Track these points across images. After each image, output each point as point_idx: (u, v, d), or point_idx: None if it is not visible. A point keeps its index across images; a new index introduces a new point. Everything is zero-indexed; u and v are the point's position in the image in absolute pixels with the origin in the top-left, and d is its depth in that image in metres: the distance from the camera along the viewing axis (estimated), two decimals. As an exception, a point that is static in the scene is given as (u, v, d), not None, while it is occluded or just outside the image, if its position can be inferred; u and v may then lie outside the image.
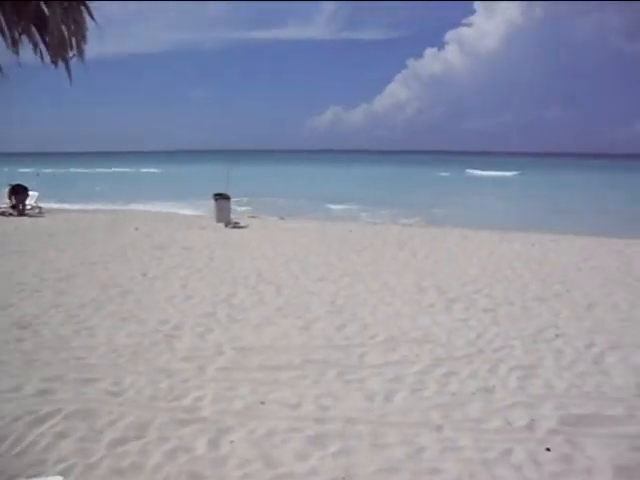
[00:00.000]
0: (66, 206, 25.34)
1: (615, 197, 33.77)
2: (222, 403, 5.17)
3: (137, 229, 16.78)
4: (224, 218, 18.34)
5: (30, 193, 21.18)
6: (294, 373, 5.89)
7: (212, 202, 19.02)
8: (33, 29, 3.48)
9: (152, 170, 67.77)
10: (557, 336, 7.10)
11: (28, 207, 20.88)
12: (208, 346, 6.69)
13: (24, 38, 3.46)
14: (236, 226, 17.99)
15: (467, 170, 61.69)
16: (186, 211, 24.72)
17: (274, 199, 29.49)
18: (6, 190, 20.94)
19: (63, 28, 3.45)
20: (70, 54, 3.58)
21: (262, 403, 5.18)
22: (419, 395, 5.39)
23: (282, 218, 21.36)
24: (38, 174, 49.52)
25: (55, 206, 24.12)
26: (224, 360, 6.24)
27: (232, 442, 4.49)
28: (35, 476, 3.91)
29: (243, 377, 5.78)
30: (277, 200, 29.00)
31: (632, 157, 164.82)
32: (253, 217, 21.62)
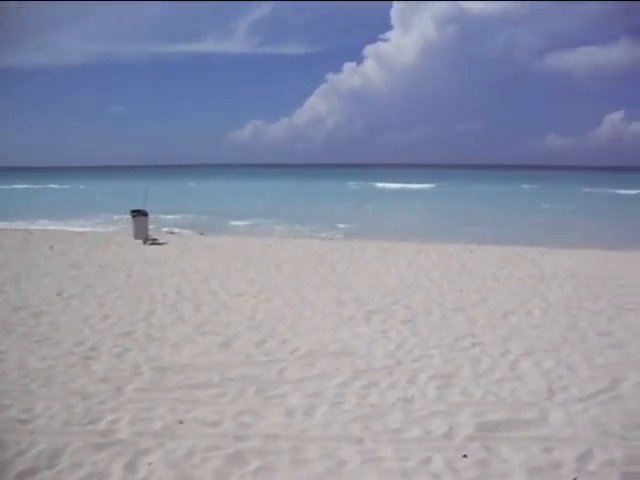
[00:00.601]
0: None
1: (527, 207, 35.14)
2: (140, 424, 5.04)
3: (52, 247, 16.20)
4: (142, 235, 17.98)
5: None
6: (213, 391, 5.82)
7: (130, 218, 18.65)
8: None
9: (66, 186, 65.56)
10: (474, 344, 7.30)
11: None
12: (126, 366, 6.52)
13: None
14: (154, 243, 17.66)
15: (384, 183, 62.60)
16: (103, 228, 24.08)
17: (194, 215, 29.13)
18: None
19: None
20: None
21: (181, 422, 5.09)
22: (339, 408, 5.42)
23: (202, 233, 21.13)
24: None
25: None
26: (142, 380, 6.10)
27: (150, 464, 4.38)
28: None
29: (161, 397, 5.66)
30: (197, 216, 28.65)
31: (543, 168, 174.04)
32: (172, 233, 21.31)
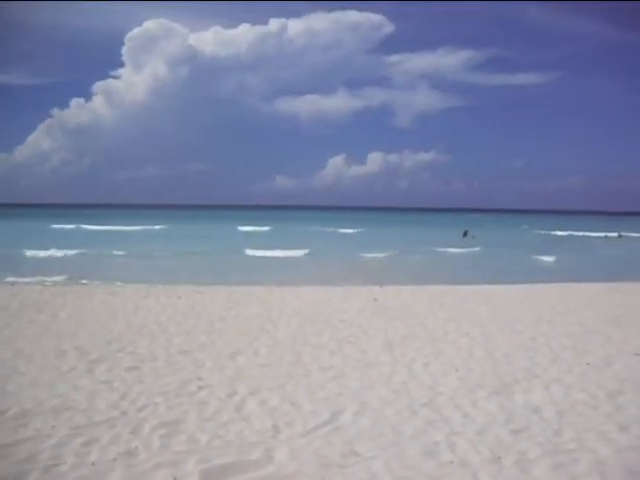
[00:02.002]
0: None
1: (255, 244, 36.45)
2: None
3: None
4: None
5: None
6: None
7: None
8: None
9: None
10: (200, 388, 7.25)
11: None
12: None
13: None
14: None
15: (109, 226, 60.07)
16: None
17: None
18: None
19: None
20: None
21: None
22: (54, 472, 4.96)
23: None
24: None
25: None
26: None
27: None
28: None
29: None
30: None
31: (275, 207, 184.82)
32: None
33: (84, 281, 19.25)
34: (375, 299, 14.90)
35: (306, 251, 31.41)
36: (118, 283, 18.14)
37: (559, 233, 60.66)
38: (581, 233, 59.79)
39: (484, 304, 14.40)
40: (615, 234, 58.27)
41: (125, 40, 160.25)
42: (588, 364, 8.63)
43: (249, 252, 31.48)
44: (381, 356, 9.04)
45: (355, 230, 60.15)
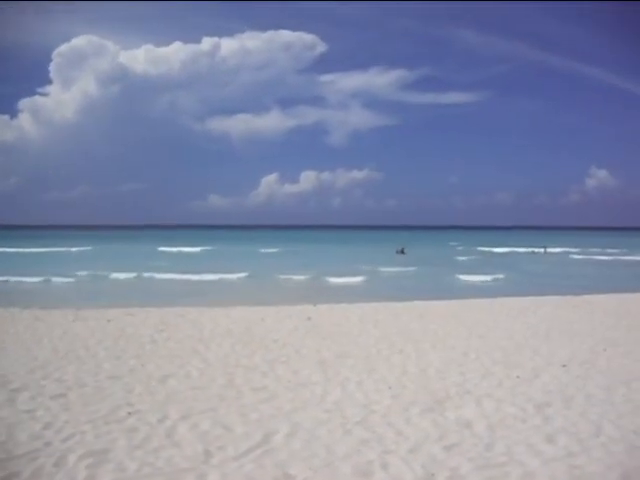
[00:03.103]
0: None
1: (191, 266, 35.92)
2: None
3: None
4: None
5: None
6: None
7: None
8: None
9: None
10: (130, 414, 7.06)
11: None
12: None
13: None
14: None
15: (37, 248, 58.19)
16: None
17: None
18: None
19: None
20: None
21: None
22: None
23: None
24: None
25: None
26: None
27: None
28: None
29: None
30: None
31: (209, 227, 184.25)
32: None
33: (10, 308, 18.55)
34: (309, 318, 14.88)
35: (240, 272, 31.12)
36: (43, 308, 17.51)
37: (487, 249, 62.24)
38: (509, 249, 61.52)
39: (417, 320, 14.58)
40: (541, 249, 60.23)
41: (53, 56, 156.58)
42: (517, 377, 8.83)
43: (176, 276, 30.30)
44: (314, 375, 9.02)
45: (288, 249, 60.19)
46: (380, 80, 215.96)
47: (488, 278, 30.33)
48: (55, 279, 28.20)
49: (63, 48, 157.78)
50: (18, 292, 23.72)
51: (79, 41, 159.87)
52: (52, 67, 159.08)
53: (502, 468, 5.50)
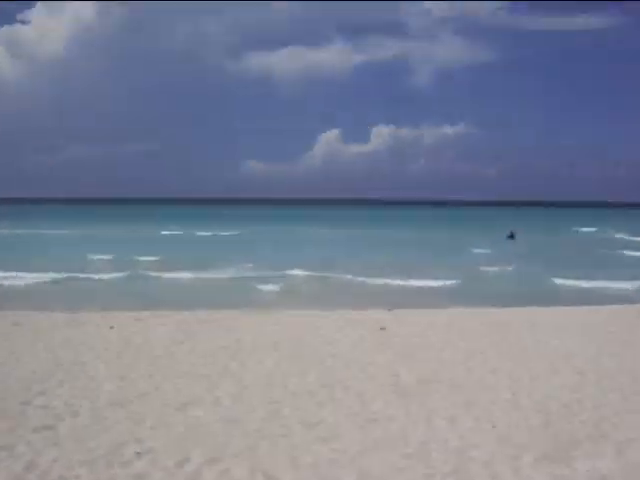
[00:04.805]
0: None
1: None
2: None
3: None
4: None
5: None
6: None
7: None
8: None
9: None
10: (139, 454, 7.10)
11: None
12: None
13: None
14: None
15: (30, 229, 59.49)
16: None
17: None
18: None
19: None
20: None
21: None
22: None
23: None
24: None
25: None
26: None
27: None
28: None
29: None
30: None
31: (236, 202, 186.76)
32: None
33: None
34: (382, 328, 14.79)
35: (288, 265, 30.55)
36: (24, 309, 17.86)
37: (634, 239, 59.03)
38: None
39: (528, 331, 14.36)
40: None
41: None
42: None
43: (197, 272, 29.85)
44: (389, 407, 8.92)
45: (353, 231, 60.28)
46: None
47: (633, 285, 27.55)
48: (41, 272, 28.46)
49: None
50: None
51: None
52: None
53: None
